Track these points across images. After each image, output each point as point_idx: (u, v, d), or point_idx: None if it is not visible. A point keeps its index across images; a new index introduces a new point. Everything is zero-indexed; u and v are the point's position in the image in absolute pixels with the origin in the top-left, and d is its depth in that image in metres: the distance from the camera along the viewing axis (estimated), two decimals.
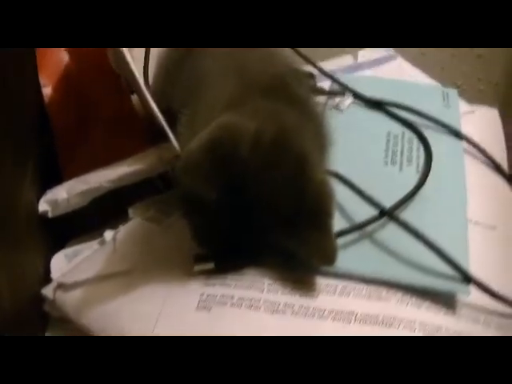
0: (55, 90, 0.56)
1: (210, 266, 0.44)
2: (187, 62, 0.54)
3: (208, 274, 0.44)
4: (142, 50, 0.59)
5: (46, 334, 0.46)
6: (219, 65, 0.51)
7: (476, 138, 0.60)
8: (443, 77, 0.90)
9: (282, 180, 0.41)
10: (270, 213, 0.42)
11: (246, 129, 0.40)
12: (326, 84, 0.67)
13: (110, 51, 0.51)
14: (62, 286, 0.46)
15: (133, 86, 0.50)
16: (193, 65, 0.53)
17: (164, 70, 0.58)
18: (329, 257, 0.41)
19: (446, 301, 0.42)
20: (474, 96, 0.94)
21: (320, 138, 0.48)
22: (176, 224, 0.48)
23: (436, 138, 0.57)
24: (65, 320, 0.45)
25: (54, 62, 0.57)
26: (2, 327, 0.41)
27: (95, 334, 0.42)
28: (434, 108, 0.62)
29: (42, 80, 0.56)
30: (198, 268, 0.44)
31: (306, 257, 0.42)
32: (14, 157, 0.48)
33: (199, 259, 0.44)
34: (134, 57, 0.65)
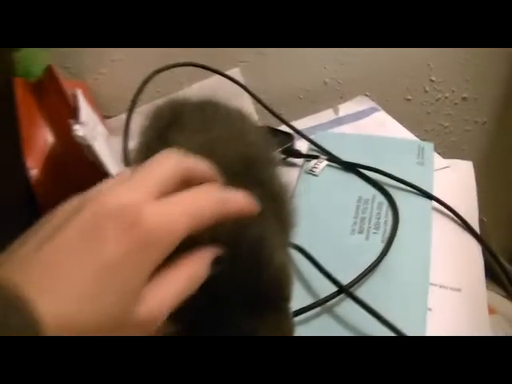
0: (41, 172, 0.61)
1: None
2: (163, 142, 0.58)
3: None
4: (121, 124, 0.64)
5: None
6: (191, 147, 0.55)
7: (449, 195, 0.64)
8: (429, 120, 0.94)
9: (242, 267, 0.45)
10: (232, 296, 0.46)
11: None
12: (304, 143, 0.72)
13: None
14: None
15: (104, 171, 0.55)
16: (171, 139, 0.57)
17: (144, 148, 0.62)
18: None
19: None
20: (461, 137, 0.98)
21: (283, 218, 0.52)
22: None
23: (406, 200, 0.61)
24: None
25: (40, 144, 0.63)
26: None
27: None
28: (408, 166, 0.66)
29: (29, 163, 0.61)
30: None
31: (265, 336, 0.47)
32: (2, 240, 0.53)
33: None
34: (113, 128, 0.70)
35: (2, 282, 0.27)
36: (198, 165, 0.36)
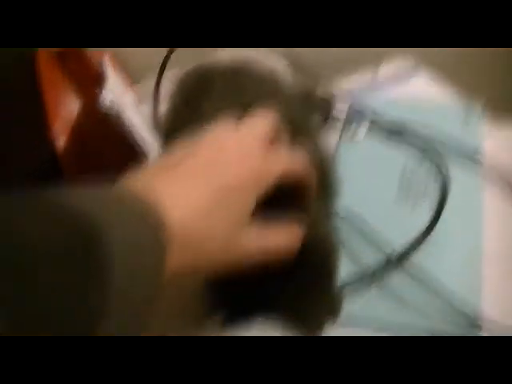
0: (67, 141, 0.59)
1: (222, 318, 0.46)
2: (191, 109, 0.56)
3: (221, 326, 0.46)
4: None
5: None
6: (221, 107, 0.52)
7: (498, 160, 0.60)
8: (477, 78, 0.88)
9: None
10: (274, 270, 0.44)
11: None
12: (343, 106, 0.68)
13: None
14: None
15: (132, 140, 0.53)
16: (198, 106, 0.55)
17: (172, 114, 0.60)
18: (334, 311, 0.43)
19: None
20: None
21: (325, 186, 0.49)
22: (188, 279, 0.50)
23: (455, 166, 0.58)
24: None
25: (65, 114, 0.60)
26: None
27: None
28: (454, 131, 0.63)
29: (54, 133, 0.59)
30: (210, 321, 0.46)
31: (311, 312, 0.44)
32: None
33: (212, 312, 0.47)
34: (142, 95, 0.68)
35: (142, 191, 0.33)
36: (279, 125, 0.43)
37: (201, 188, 0.35)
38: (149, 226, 0.32)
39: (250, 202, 0.37)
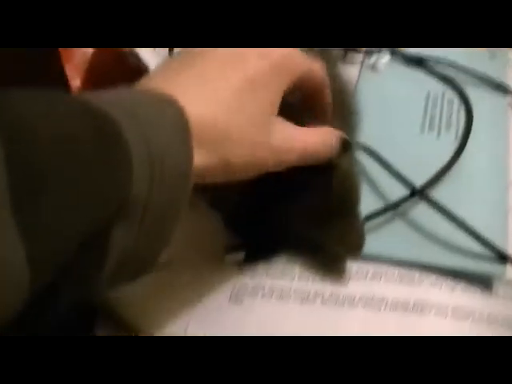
0: (83, 81, 0.58)
1: (241, 255, 0.46)
2: None
3: (240, 263, 0.46)
4: None
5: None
6: None
7: None
8: None
9: (307, 170, 0.42)
10: (296, 202, 0.43)
11: None
12: None
13: None
14: None
15: None
16: None
17: None
18: (356, 245, 0.43)
19: (481, 282, 0.43)
20: None
21: (347, 117, 0.48)
22: (208, 214, 0.50)
23: (479, 96, 0.57)
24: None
25: (80, 52, 0.59)
26: None
27: (137, 330, 0.45)
28: (478, 59, 0.61)
29: (69, 72, 0.58)
30: (229, 258, 0.46)
31: (333, 245, 0.44)
32: None
33: (231, 249, 0.46)
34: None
35: (157, 89, 0.32)
36: None
37: (221, 84, 0.33)
38: (172, 126, 0.30)
39: (275, 96, 0.35)
